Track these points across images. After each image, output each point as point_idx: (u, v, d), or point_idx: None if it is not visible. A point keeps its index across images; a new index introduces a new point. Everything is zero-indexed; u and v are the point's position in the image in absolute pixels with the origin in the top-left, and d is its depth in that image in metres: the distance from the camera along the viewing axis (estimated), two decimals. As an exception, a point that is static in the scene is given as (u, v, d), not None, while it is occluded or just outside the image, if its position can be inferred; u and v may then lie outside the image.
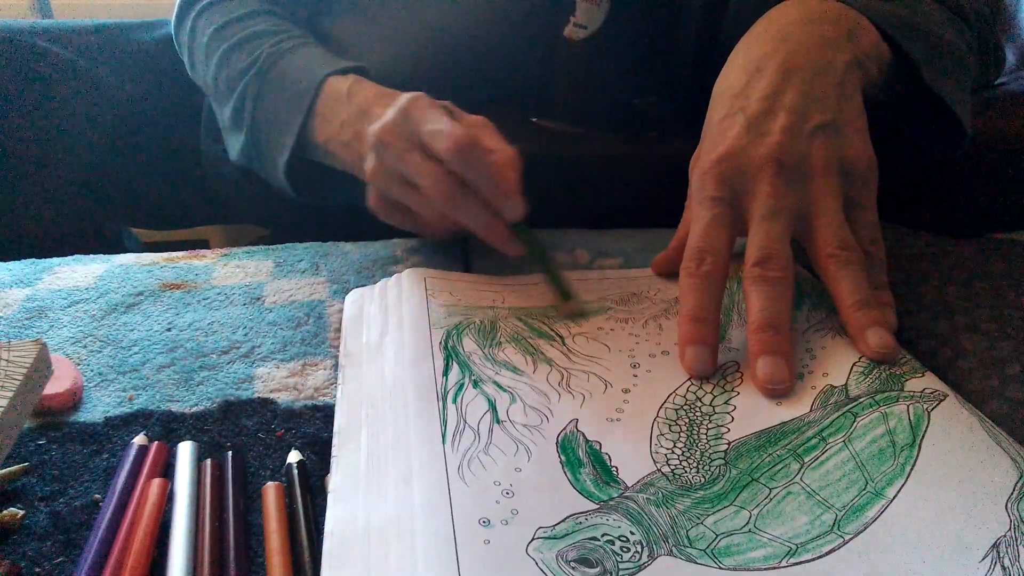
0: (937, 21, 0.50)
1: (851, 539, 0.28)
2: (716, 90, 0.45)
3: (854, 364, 0.36)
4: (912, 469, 0.31)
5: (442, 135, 0.43)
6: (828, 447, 0.32)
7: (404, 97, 0.46)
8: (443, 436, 0.32)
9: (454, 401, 0.34)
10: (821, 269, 0.40)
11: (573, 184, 0.56)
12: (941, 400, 0.34)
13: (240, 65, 0.58)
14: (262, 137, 0.56)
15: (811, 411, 0.34)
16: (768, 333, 0.37)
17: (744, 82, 0.42)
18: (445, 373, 0.36)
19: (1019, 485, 0.29)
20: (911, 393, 0.34)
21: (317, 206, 0.59)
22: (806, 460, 0.32)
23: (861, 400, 0.34)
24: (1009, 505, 0.29)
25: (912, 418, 0.33)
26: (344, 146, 0.50)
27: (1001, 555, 0.27)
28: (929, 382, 0.35)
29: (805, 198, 0.39)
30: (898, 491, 0.30)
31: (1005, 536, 0.28)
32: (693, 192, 0.42)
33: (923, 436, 0.32)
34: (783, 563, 0.27)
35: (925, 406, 0.33)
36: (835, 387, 0.35)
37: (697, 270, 0.39)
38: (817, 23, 0.44)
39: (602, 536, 0.28)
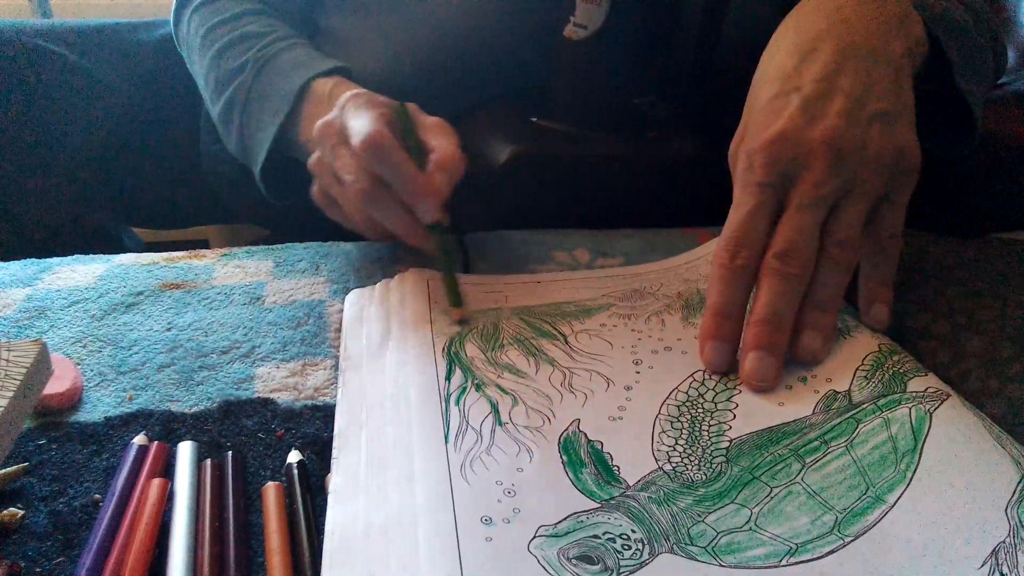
0: (966, 19, 0.48)
1: (851, 541, 0.28)
2: (762, 68, 0.42)
3: (857, 368, 0.36)
4: (913, 475, 0.30)
5: (355, 131, 0.43)
6: (830, 450, 0.32)
7: (347, 94, 0.47)
8: (445, 437, 0.32)
9: (456, 403, 0.34)
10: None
11: (573, 184, 0.56)
12: (943, 400, 0.34)
13: (228, 67, 0.58)
14: (246, 142, 0.57)
15: (813, 414, 0.34)
16: (767, 328, 0.36)
17: (796, 61, 0.40)
18: (448, 378, 0.36)
19: (1019, 488, 0.29)
20: (913, 393, 0.34)
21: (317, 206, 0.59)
22: (807, 461, 0.32)
23: (864, 407, 0.34)
24: (1009, 509, 0.29)
25: (914, 422, 0.33)
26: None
27: (1000, 561, 0.27)
28: (931, 381, 0.35)
29: (845, 186, 0.37)
30: (899, 497, 0.30)
31: (1004, 542, 0.27)
32: (739, 175, 0.39)
33: (925, 440, 0.32)
34: (783, 562, 0.27)
35: (927, 407, 0.33)
36: (838, 393, 0.35)
37: (731, 263, 0.37)
38: (871, 3, 0.41)
39: (603, 534, 0.28)
